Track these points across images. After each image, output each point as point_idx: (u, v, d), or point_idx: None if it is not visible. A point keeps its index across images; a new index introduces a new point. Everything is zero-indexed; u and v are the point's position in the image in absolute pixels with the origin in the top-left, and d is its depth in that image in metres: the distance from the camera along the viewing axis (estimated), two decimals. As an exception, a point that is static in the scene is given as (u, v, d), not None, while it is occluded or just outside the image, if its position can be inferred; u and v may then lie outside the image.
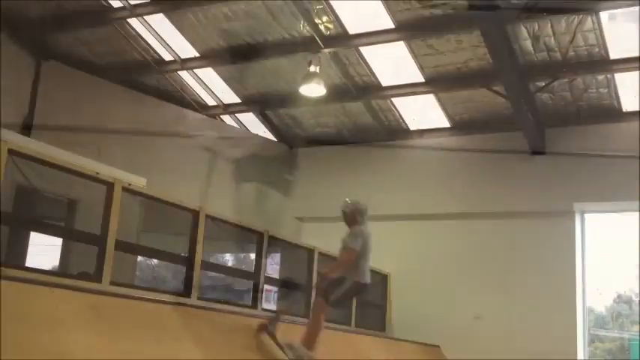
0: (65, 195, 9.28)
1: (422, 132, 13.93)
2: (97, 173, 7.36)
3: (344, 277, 7.51)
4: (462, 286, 12.72)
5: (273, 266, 12.00)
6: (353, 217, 7.60)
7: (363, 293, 7.95)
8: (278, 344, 7.43)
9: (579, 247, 12.21)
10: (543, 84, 11.59)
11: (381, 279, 13.38)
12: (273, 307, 11.62)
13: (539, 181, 12.42)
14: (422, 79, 12.14)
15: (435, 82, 12.17)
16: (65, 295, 5.60)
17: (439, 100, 12.86)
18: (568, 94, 11.99)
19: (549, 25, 10.34)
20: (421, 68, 11.86)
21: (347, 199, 7.69)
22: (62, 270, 8.30)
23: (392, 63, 12.03)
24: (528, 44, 10.78)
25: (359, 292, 7.71)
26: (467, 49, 11.18)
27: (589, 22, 10.17)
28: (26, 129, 11.41)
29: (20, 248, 9.27)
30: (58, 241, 8.57)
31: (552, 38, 10.61)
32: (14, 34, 11.62)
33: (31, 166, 6.87)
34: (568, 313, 11.79)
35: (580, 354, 11.69)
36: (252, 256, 9.78)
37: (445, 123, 13.53)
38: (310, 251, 11.02)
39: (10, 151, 6.26)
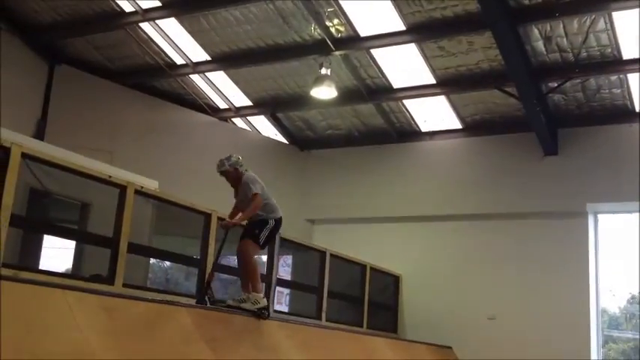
0: (78, 198, 9.33)
1: (433, 133, 13.91)
2: (110, 176, 7.42)
3: (266, 219, 7.53)
4: (475, 288, 12.69)
5: (284, 268, 12.03)
6: (236, 171, 7.57)
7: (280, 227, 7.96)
8: (230, 306, 7.42)
9: (592, 247, 12.13)
10: (555, 85, 11.54)
11: (393, 280, 13.39)
12: (285, 308, 11.67)
13: (552, 182, 12.36)
14: (433, 81, 12.13)
15: (446, 84, 12.15)
16: (78, 298, 5.63)
17: (450, 101, 12.83)
18: (581, 95, 11.93)
19: (561, 25, 10.30)
20: (432, 70, 11.85)
21: (220, 160, 7.57)
22: (75, 272, 8.34)
23: (403, 65, 12.02)
24: (540, 45, 10.74)
25: (279, 228, 7.76)
26: (478, 50, 11.16)
27: (601, 22, 10.12)
28: (39, 133, 11.51)
29: (34, 251, 9.33)
30: (70, 244, 8.61)
31: (564, 39, 10.57)
32: (27, 39, 11.74)
33: (44, 169, 6.93)
34: (581, 314, 11.72)
35: (594, 355, 11.61)
36: (264, 258, 9.80)
37: (457, 124, 13.50)
38: (322, 253, 11.04)
39: (24, 155, 6.32)
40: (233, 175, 7.56)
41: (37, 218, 8.51)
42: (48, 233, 8.41)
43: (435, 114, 13.43)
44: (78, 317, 5.40)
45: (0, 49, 10.29)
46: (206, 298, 7.30)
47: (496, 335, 12.17)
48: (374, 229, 13.80)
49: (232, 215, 7.70)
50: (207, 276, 7.52)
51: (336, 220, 14.41)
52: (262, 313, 7.60)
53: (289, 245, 10.75)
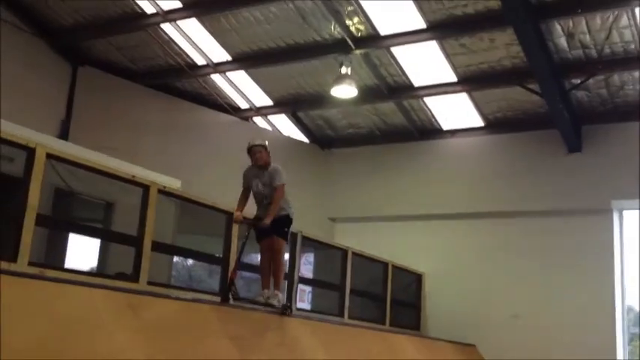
0: (102, 197, 9.44)
1: (455, 131, 13.85)
2: (133, 176, 7.49)
3: (289, 215, 7.63)
4: (498, 285, 12.63)
5: (306, 266, 12.05)
6: (268, 154, 7.58)
7: None
8: (259, 303, 7.50)
9: (618, 244, 12.02)
10: (579, 81, 11.43)
11: (416, 278, 13.37)
12: (307, 306, 11.70)
13: (576, 179, 12.26)
14: (455, 79, 12.07)
15: (468, 81, 12.09)
16: (104, 295, 5.70)
17: (472, 98, 12.77)
18: (604, 92, 11.82)
19: (584, 21, 10.20)
20: (454, 67, 11.79)
21: (255, 141, 7.55)
22: (100, 271, 8.44)
23: (424, 63, 11.98)
24: (563, 41, 10.64)
25: (291, 224, 7.77)
26: (500, 47, 11.08)
27: (624, 18, 10.01)
28: (63, 133, 11.65)
29: (59, 250, 9.46)
30: (95, 243, 8.72)
31: (587, 35, 10.47)
32: (51, 42, 11.88)
33: (68, 169, 7.02)
34: (607, 312, 11.62)
35: (619, 353, 11.50)
36: (286, 256, 9.82)
37: (479, 122, 13.43)
38: (344, 251, 11.05)
39: (49, 156, 6.40)
40: (264, 156, 7.55)
41: (63, 218, 8.63)
42: (73, 232, 8.51)
43: (456, 112, 13.37)
44: (104, 315, 5.47)
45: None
46: (230, 295, 7.34)
47: (520, 334, 12.10)
48: (396, 228, 13.79)
49: (240, 206, 7.65)
50: (230, 273, 7.55)
51: (357, 219, 14.41)
52: (287, 310, 7.69)
53: (311, 243, 10.77)
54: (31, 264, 6.08)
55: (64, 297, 5.35)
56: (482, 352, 12.30)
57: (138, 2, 11.39)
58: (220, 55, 12.46)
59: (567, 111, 11.70)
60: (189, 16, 11.59)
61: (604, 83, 11.58)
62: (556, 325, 11.87)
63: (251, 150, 7.57)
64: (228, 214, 8.37)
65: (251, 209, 7.75)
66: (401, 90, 12.71)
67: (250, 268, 9.31)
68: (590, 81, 11.41)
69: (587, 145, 12.37)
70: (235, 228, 8.23)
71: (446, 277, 13.10)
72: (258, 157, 7.55)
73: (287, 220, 7.65)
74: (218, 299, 7.62)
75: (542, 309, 12.14)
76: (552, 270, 12.20)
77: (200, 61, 12.70)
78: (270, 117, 14.70)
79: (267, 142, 7.62)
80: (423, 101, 13.17)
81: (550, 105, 11.51)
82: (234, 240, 8.34)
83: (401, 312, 12.74)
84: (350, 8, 10.69)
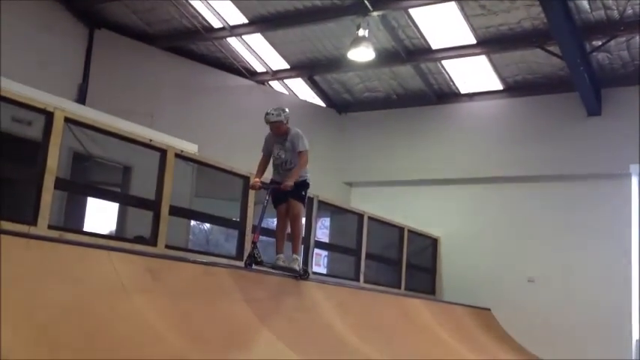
0: (120, 161, 9.50)
1: (472, 95, 13.72)
2: (151, 140, 7.52)
3: (306, 180, 7.67)
4: (514, 250, 12.64)
5: (322, 230, 12.11)
6: (285, 124, 7.56)
7: None
8: (280, 267, 7.57)
9: (636, 209, 11.92)
10: (600, 43, 11.23)
11: (431, 242, 13.39)
12: (323, 270, 11.79)
13: (595, 143, 12.14)
14: (474, 41, 11.90)
15: (487, 43, 11.91)
16: (123, 259, 5.77)
17: (491, 61, 12.60)
18: (625, 54, 11.61)
19: (606, -19, 9.99)
20: (473, 29, 11.61)
21: (276, 109, 7.49)
22: (119, 234, 8.53)
23: (442, 25, 11.80)
24: (584, 2, 10.42)
25: (308, 188, 7.82)
26: (520, 8, 10.88)
27: (648, -23, 9.79)
28: (81, 97, 11.67)
29: (78, 213, 9.57)
30: (114, 207, 8.80)
31: (609, -5, 10.26)
32: (67, 4, 11.83)
33: (86, 133, 7.05)
34: (623, 276, 11.59)
35: (635, 316, 11.51)
36: (303, 220, 9.86)
37: (497, 85, 13.28)
38: (360, 216, 11.08)
39: (67, 120, 6.43)
40: (283, 128, 7.56)
41: (81, 181, 8.71)
42: (91, 196, 8.59)
43: (475, 75, 13.22)
44: (123, 278, 5.54)
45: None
46: (254, 257, 7.35)
47: (535, 298, 12.15)
48: (412, 192, 13.79)
49: (259, 172, 7.67)
50: (253, 237, 7.58)
51: (373, 183, 14.42)
52: (304, 274, 7.80)
53: (327, 208, 10.80)
54: (50, 227, 6.17)
55: (83, 260, 5.43)
56: (498, 316, 12.35)
57: (153, -36, 11.29)
58: (237, 17, 12.36)
59: (587, 74, 11.52)
60: (205, -22, 11.48)
61: (625, 45, 11.37)
62: (572, 289, 11.89)
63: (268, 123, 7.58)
64: (246, 178, 8.41)
65: (267, 175, 7.78)
66: (419, 53, 12.56)
67: (266, 232, 9.37)
68: (612, 43, 11.21)
69: (607, 109, 12.22)
70: (252, 193, 8.26)
71: (461, 241, 13.12)
72: (275, 129, 7.56)
73: (305, 184, 7.68)
74: (235, 263, 7.69)
75: (557, 273, 12.14)
76: (569, 234, 12.18)
77: (216, 24, 12.61)
78: (286, 81, 14.62)
79: (283, 115, 7.50)
80: (441, 64, 13.02)
81: (570, 67, 11.33)
82: (250, 204, 8.39)
83: (416, 276, 12.81)
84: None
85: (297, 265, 7.68)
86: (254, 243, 7.40)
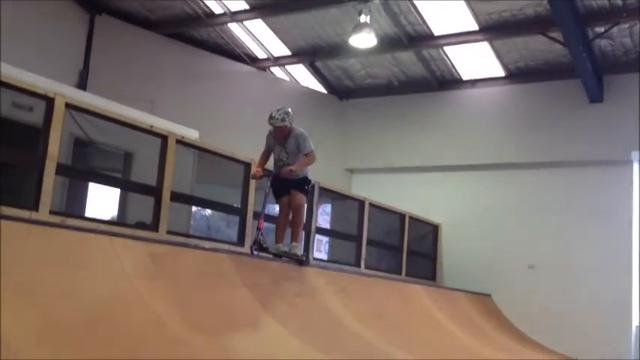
0: (121, 147, 9.50)
1: (474, 82, 13.69)
2: (152, 126, 7.52)
3: (308, 177, 7.77)
4: (515, 236, 12.66)
5: (323, 216, 12.13)
6: (291, 124, 7.53)
7: None
8: (282, 253, 7.65)
9: (637, 196, 11.93)
10: (602, 30, 11.18)
11: (432, 229, 13.42)
12: (324, 256, 11.82)
13: (597, 129, 12.13)
14: (476, 27, 11.85)
15: (489, 30, 11.86)
16: (124, 244, 5.79)
17: (493, 48, 12.56)
18: (628, 41, 11.57)
19: (609, -33, 9.93)
20: (475, 15, 11.56)
21: (280, 112, 7.39)
22: (120, 220, 8.55)
23: (444, 11, 11.74)
24: (587, -12, 10.39)
25: (310, 183, 7.92)
26: (522, -6, 10.84)
27: (652, -37, 9.73)
28: (82, 83, 11.65)
29: (79, 199, 9.58)
30: (115, 192, 8.81)
31: (612, -19, 10.20)
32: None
33: (87, 119, 7.05)
34: (624, 263, 11.62)
35: (636, 304, 11.55)
36: (305, 211, 9.87)
37: (500, 72, 13.25)
38: (361, 202, 11.09)
39: (68, 105, 6.43)
40: (286, 130, 7.50)
41: (82, 167, 8.71)
42: (93, 181, 8.60)
43: (477, 61, 13.18)
44: (125, 263, 5.56)
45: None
46: (260, 243, 7.35)
47: (536, 284, 12.20)
48: (413, 179, 13.80)
49: (261, 163, 7.68)
50: (258, 223, 7.58)
51: (375, 170, 14.43)
52: (306, 260, 7.89)
53: (328, 194, 10.82)
54: (52, 212, 6.18)
55: (85, 245, 5.44)
56: (498, 303, 12.40)
57: (154, -51, 11.23)
58: (238, 3, 12.30)
59: (590, 60, 11.49)
60: (206, -36, 11.42)
61: (628, 32, 11.32)
62: (573, 276, 11.93)
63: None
64: (247, 165, 8.42)
65: (269, 165, 7.81)
66: (420, 39, 12.51)
67: (268, 218, 9.38)
68: (614, 29, 11.16)
69: (609, 96, 12.20)
70: (253, 181, 8.26)
71: (462, 227, 13.14)
72: (279, 132, 7.49)
73: (306, 180, 7.77)
74: (236, 249, 7.71)
75: (558, 260, 12.17)
76: (570, 221, 12.20)
77: (217, 9, 12.55)
78: (287, 67, 14.58)
79: (287, 120, 7.41)
80: (443, 50, 12.98)
81: (573, 54, 11.29)
82: (251, 191, 8.41)
83: (417, 262, 12.85)
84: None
85: (297, 251, 7.79)
86: (259, 229, 7.42)
